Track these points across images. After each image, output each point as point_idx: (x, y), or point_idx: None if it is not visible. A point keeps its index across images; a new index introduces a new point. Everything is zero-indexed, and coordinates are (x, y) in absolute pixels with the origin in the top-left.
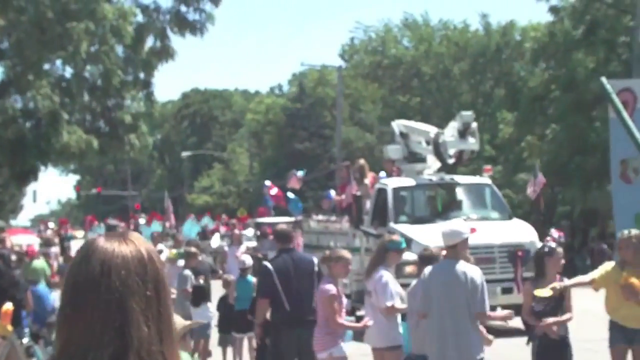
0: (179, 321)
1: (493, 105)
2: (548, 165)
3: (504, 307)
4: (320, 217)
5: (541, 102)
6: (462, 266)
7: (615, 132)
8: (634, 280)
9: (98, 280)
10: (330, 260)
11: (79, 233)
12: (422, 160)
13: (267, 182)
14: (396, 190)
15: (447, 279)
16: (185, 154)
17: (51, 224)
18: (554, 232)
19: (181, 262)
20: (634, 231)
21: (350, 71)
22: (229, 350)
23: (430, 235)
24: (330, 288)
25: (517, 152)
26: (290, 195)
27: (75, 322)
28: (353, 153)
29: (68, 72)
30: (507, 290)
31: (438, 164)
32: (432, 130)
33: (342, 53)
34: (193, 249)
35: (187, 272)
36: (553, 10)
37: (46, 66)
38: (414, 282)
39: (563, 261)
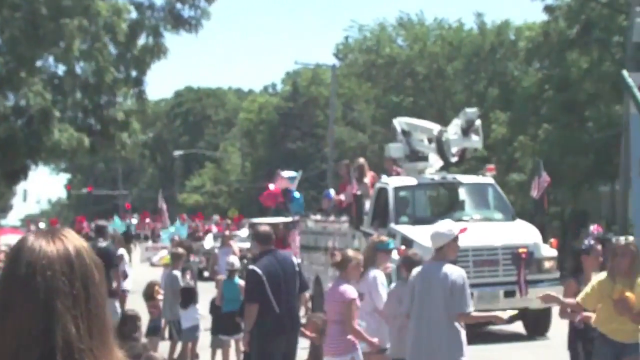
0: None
1: (486, 105)
2: None
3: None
4: (318, 217)
5: (534, 102)
6: (446, 268)
7: (636, 128)
8: (628, 294)
9: (24, 281)
10: (347, 262)
11: None
12: (424, 158)
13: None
14: (397, 190)
15: (430, 281)
16: (177, 152)
17: (42, 224)
18: (593, 229)
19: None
20: (630, 238)
21: (344, 70)
22: (219, 352)
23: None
24: (351, 291)
25: (510, 153)
26: (296, 194)
27: (4, 324)
28: (345, 153)
29: (60, 69)
30: (510, 294)
31: (440, 163)
32: (435, 127)
33: (336, 52)
34: (180, 250)
35: (176, 273)
36: (548, 9)
37: (39, 63)
38: (392, 284)
39: (601, 259)
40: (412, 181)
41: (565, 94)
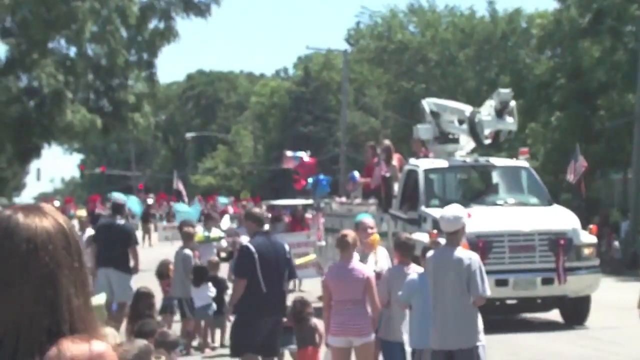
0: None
1: None
2: (551, 153)
3: (544, 299)
4: (343, 199)
5: (546, 89)
6: (460, 252)
7: None
8: None
9: (26, 257)
10: (355, 243)
11: (82, 212)
12: (455, 140)
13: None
14: (428, 172)
15: (445, 266)
16: (189, 135)
17: (57, 203)
18: None
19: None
20: None
21: (355, 56)
22: (218, 331)
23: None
24: (369, 269)
25: (522, 140)
26: (322, 176)
27: (7, 301)
28: (357, 137)
29: (72, 51)
30: (547, 281)
31: (471, 145)
32: (467, 108)
33: (348, 37)
34: (191, 230)
35: (187, 252)
36: None
37: (51, 45)
38: (385, 268)
39: None
40: (443, 163)
41: (577, 82)
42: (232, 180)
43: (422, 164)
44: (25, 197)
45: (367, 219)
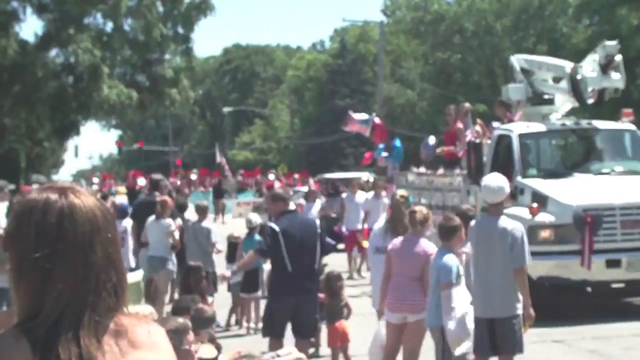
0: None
1: None
2: None
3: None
4: (422, 169)
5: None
6: (505, 222)
7: None
8: None
9: (90, 238)
10: (426, 220)
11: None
12: (549, 101)
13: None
14: (523, 137)
15: (489, 235)
16: (226, 109)
17: (95, 179)
18: None
19: None
20: None
21: (392, 27)
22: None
23: (569, 192)
24: (432, 247)
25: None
26: (397, 142)
27: (64, 282)
28: (394, 110)
29: (109, 26)
30: None
31: (567, 106)
32: (566, 64)
33: (384, 9)
34: (204, 203)
35: (207, 225)
36: None
37: (87, 20)
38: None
39: None
40: (539, 127)
41: None
42: (269, 155)
43: (516, 129)
44: (63, 174)
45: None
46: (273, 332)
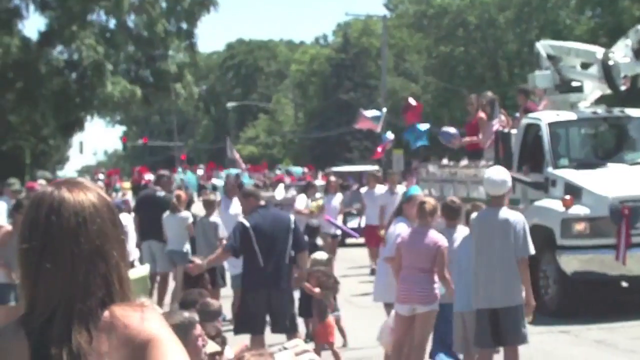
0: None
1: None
2: None
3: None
4: (445, 161)
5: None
6: (506, 213)
7: None
8: None
9: (76, 231)
10: (435, 210)
11: (126, 184)
12: (578, 89)
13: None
14: (553, 126)
15: (491, 226)
16: (230, 104)
17: (101, 175)
18: None
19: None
20: None
21: (395, 21)
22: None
23: (604, 183)
24: (443, 239)
25: None
26: (421, 126)
27: (54, 275)
28: (398, 103)
29: (112, 22)
30: None
31: (597, 94)
32: (597, 49)
33: (387, 2)
34: (212, 197)
35: (214, 219)
36: None
37: (90, 17)
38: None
39: None
40: (570, 116)
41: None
42: (274, 149)
43: (545, 117)
44: (69, 170)
45: (420, 195)
46: (252, 328)
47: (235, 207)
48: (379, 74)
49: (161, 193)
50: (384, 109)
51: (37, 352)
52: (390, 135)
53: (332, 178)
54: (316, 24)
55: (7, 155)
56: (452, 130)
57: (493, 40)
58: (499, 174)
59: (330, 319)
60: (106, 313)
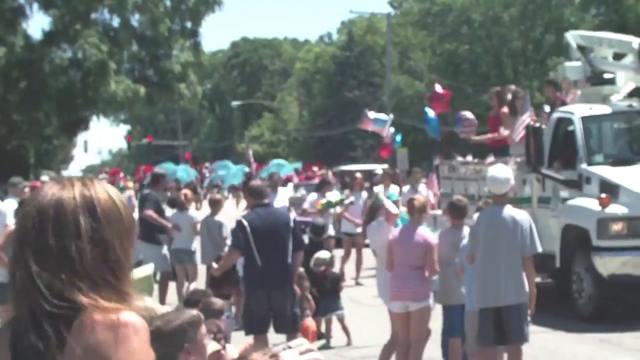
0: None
1: (543, 51)
2: None
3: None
4: (469, 158)
5: None
6: (511, 211)
7: None
8: None
9: (31, 230)
10: (425, 207)
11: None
12: (610, 81)
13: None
14: (586, 121)
15: (497, 225)
16: (235, 103)
17: (104, 175)
18: None
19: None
20: None
21: (399, 19)
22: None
23: None
24: (433, 236)
25: None
26: (431, 113)
27: (20, 271)
28: (402, 101)
29: (115, 21)
30: None
31: (630, 86)
32: (633, 39)
33: (392, 0)
34: (217, 196)
35: (219, 219)
36: None
37: (94, 16)
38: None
39: None
40: (604, 109)
41: None
42: (279, 147)
43: (578, 111)
44: (73, 169)
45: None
46: (254, 328)
47: (280, 198)
48: (383, 72)
49: (146, 191)
50: (391, 115)
51: (15, 354)
52: (470, 115)
53: (358, 175)
54: (320, 22)
55: (11, 154)
56: (469, 115)
57: (497, 38)
58: (502, 172)
59: (310, 322)
60: (85, 319)
